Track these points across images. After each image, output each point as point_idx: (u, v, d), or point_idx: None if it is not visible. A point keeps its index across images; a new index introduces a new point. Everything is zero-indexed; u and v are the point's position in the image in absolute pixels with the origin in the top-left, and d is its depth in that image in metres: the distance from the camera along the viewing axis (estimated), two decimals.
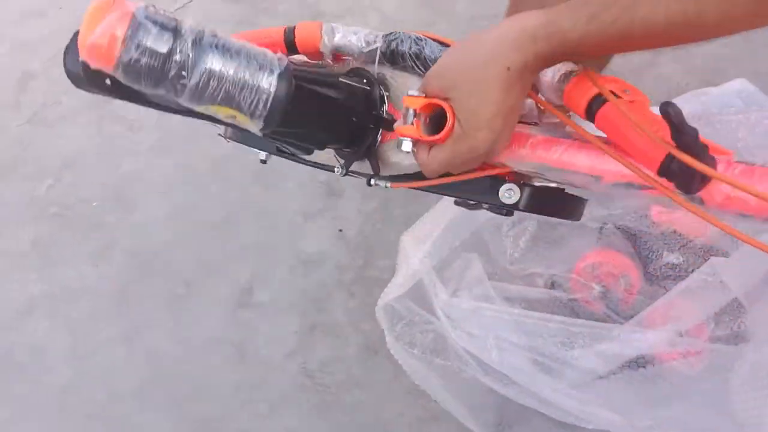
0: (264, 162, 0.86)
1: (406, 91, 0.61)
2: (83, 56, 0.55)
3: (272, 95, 0.55)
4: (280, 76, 0.55)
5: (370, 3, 2.26)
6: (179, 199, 1.78)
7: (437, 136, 0.58)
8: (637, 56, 1.55)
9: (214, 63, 0.53)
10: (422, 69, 0.68)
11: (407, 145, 0.61)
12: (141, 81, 0.54)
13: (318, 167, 0.79)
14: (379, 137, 0.71)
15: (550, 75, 0.60)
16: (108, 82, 0.58)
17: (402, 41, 0.69)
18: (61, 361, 1.60)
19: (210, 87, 0.54)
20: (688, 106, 1.53)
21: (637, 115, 0.53)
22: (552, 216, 0.72)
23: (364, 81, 0.71)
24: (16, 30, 2.51)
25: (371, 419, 1.38)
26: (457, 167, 0.60)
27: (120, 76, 0.53)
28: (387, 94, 0.71)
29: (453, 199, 0.76)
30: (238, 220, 1.70)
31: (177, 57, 0.52)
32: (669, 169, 0.51)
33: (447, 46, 0.69)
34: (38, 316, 1.68)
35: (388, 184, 0.72)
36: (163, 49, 0.52)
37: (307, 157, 0.77)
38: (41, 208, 1.91)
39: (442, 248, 1.14)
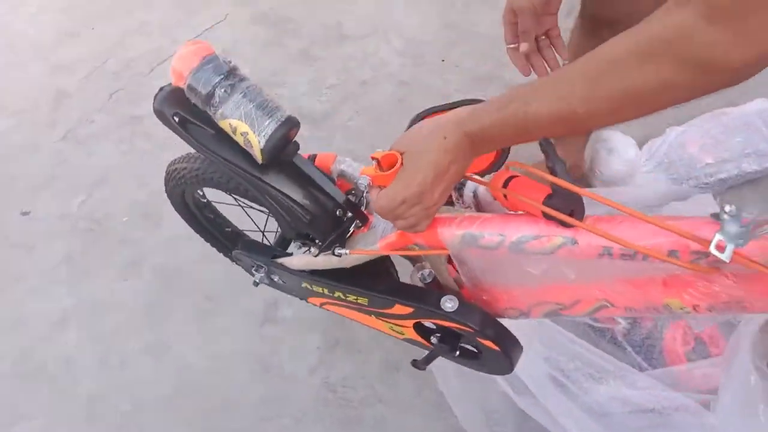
0: (256, 285, 1.23)
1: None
2: (171, 71, 0.89)
3: (271, 132, 0.85)
4: (279, 124, 0.86)
5: (392, 25, 2.31)
6: None
7: (389, 172, 0.77)
8: None
9: (240, 102, 0.85)
10: None
11: (365, 180, 0.85)
12: (196, 97, 0.87)
13: None
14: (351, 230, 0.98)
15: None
16: (175, 119, 0.92)
17: None
18: (90, 372, 1.64)
19: (233, 111, 0.86)
20: (708, 125, 1.54)
21: (527, 190, 0.76)
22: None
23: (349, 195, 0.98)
24: (51, 50, 2.61)
25: None
26: (397, 208, 0.78)
27: (186, 91, 0.87)
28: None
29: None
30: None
31: (219, 90, 0.85)
32: (550, 218, 0.73)
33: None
34: (69, 328, 1.73)
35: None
36: (213, 81, 0.85)
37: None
38: (73, 223, 1.97)
39: None
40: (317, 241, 1.00)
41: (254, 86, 0.87)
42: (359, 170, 0.98)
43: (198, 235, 1.40)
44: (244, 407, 1.51)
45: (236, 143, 0.90)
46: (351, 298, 1.06)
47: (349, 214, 0.96)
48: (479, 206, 0.96)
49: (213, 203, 1.38)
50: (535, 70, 1.17)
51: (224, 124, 0.87)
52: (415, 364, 1.04)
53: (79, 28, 2.68)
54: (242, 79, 0.86)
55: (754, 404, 0.83)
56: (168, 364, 1.62)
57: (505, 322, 0.93)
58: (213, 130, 0.92)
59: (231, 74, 0.86)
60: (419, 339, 1.04)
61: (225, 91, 0.84)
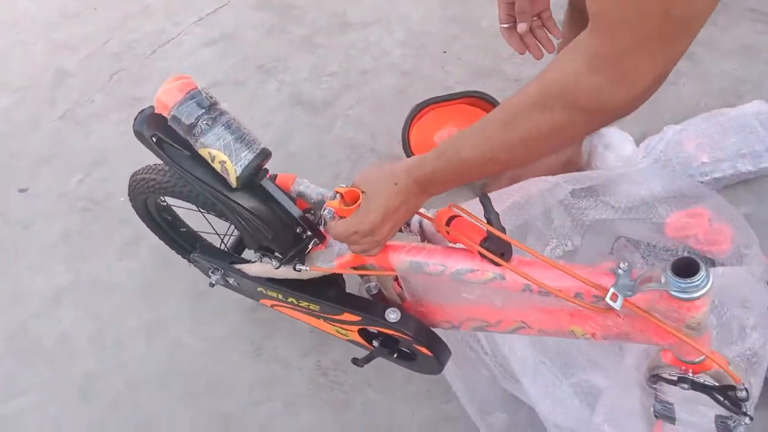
0: (212, 286, 1.36)
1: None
2: (155, 101, 0.97)
3: (248, 162, 0.96)
4: (255, 155, 0.96)
5: (396, 16, 2.31)
6: None
7: (351, 207, 0.91)
8: None
9: (221, 134, 0.95)
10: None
11: (329, 212, 0.93)
12: (179, 127, 0.95)
13: None
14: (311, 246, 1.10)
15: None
16: (153, 139, 1.00)
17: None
18: (85, 349, 1.65)
19: (213, 142, 0.95)
20: (705, 125, 1.55)
21: (466, 230, 0.89)
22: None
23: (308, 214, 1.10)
24: (53, 29, 2.60)
25: (383, 419, 1.42)
26: (350, 237, 0.91)
27: (169, 120, 0.96)
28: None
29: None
30: None
31: (201, 122, 0.94)
32: (485, 257, 0.87)
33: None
34: (65, 305, 1.74)
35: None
36: (195, 114, 0.94)
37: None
38: (71, 202, 1.98)
39: None
40: (276, 253, 1.12)
41: (233, 120, 0.97)
42: (316, 192, 1.15)
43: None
44: (237, 389, 1.52)
45: (209, 165, 0.99)
46: (303, 304, 1.19)
47: (308, 233, 1.07)
48: (423, 234, 1.07)
49: (171, 206, 1.47)
50: (529, 50, 1.27)
51: (203, 152, 0.96)
52: (355, 361, 1.17)
53: (81, 8, 2.68)
54: (222, 113, 0.96)
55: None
56: (162, 344, 1.63)
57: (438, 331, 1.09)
58: (188, 152, 1.00)
59: (212, 108, 0.95)
60: (362, 341, 1.20)
61: (206, 123, 0.94)
